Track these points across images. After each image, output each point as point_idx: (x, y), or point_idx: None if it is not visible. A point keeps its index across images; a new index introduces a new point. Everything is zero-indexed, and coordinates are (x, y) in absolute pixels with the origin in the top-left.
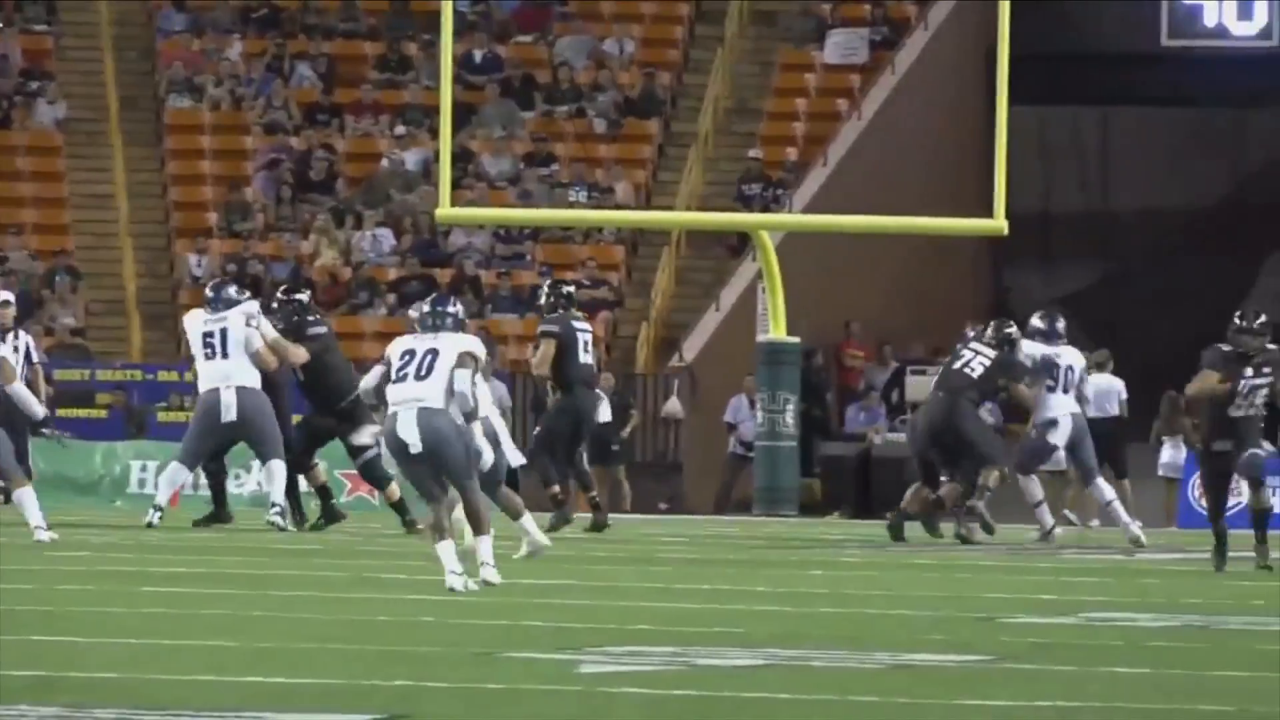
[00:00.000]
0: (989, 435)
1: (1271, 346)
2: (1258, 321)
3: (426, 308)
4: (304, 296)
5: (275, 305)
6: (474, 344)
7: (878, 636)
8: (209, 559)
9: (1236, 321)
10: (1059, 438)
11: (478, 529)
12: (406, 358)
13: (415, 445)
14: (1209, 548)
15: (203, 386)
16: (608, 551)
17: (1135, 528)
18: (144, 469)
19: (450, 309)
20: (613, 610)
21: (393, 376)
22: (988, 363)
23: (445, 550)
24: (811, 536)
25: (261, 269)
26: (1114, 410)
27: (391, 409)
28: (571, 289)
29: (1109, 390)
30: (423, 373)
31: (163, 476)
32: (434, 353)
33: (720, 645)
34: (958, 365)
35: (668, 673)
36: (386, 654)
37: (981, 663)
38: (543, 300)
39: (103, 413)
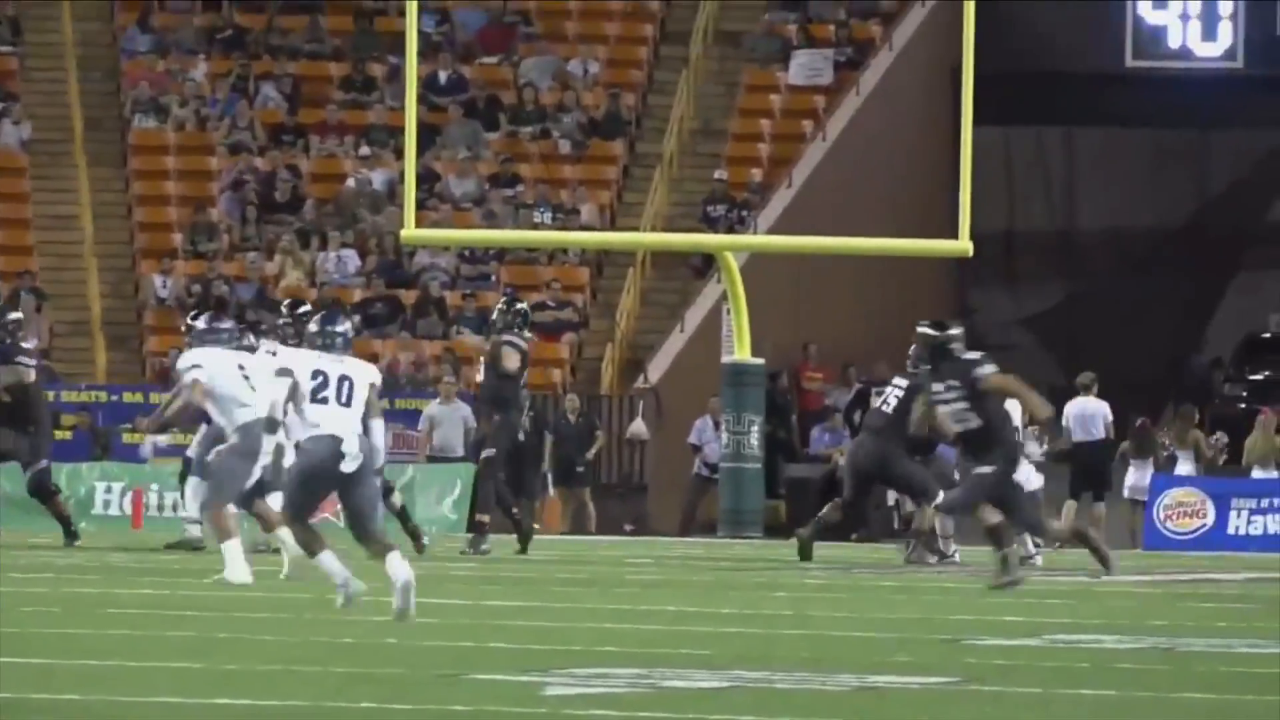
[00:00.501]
0: (918, 472)
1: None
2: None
3: (315, 327)
4: (308, 308)
5: (289, 322)
6: (376, 374)
7: (842, 658)
8: (174, 581)
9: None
10: (1021, 476)
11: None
12: (320, 379)
13: (356, 463)
14: (1175, 570)
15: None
16: (573, 573)
17: (1031, 546)
18: (109, 490)
19: (340, 328)
20: (578, 632)
21: (308, 396)
22: (901, 393)
23: (328, 560)
24: (776, 558)
25: (226, 290)
26: (1099, 433)
27: (325, 429)
28: (524, 306)
29: (1095, 413)
30: (344, 399)
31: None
32: (349, 381)
33: (686, 667)
34: (877, 403)
35: (633, 694)
36: (352, 676)
37: (946, 684)
38: (495, 316)
39: (68, 434)
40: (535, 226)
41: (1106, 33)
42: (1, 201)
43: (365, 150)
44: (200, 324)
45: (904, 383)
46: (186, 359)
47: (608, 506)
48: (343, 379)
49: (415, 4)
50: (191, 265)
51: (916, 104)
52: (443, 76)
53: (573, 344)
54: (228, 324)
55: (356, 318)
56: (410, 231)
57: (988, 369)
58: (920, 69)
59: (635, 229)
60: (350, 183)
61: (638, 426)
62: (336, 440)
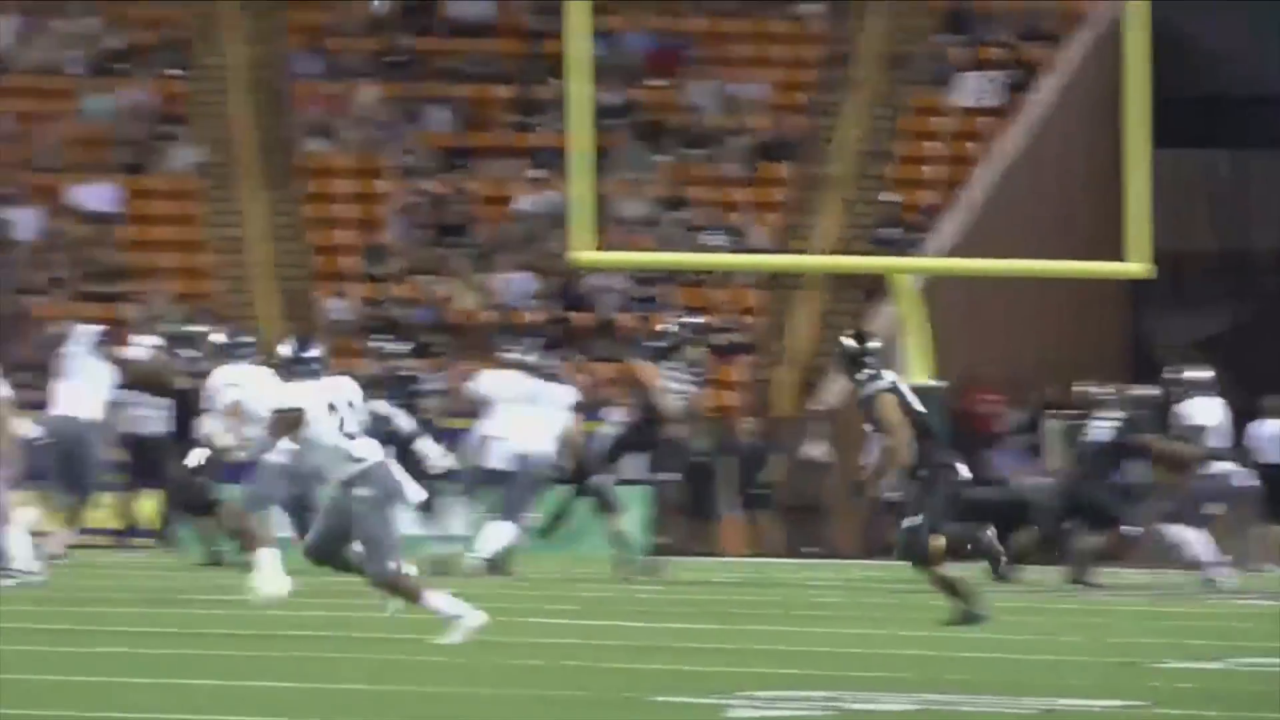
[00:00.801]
0: (1110, 500)
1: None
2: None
3: (289, 354)
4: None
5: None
6: (357, 389)
7: (1027, 682)
8: (355, 603)
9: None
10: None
11: (413, 597)
12: (336, 414)
13: (419, 494)
14: None
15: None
16: (755, 595)
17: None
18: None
19: (314, 353)
20: (762, 654)
21: (337, 430)
22: (1112, 423)
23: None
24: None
25: (401, 313)
26: None
27: (372, 461)
28: (698, 322)
29: None
30: (355, 430)
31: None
32: (352, 407)
33: (871, 690)
34: (1084, 434)
35: (817, 717)
36: (535, 698)
37: (1132, 708)
38: (676, 329)
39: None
40: (707, 249)
41: (1274, 55)
42: (175, 225)
43: (534, 173)
44: (221, 338)
45: (1112, 415)
46: (218, 378)
47: (788, 528)
48: (350, 408)
49: (587, 26)
50: (366, 288)
51: (1087, 126)
52: (610, 99)
53: (747, 366)
54: (250, 339)
55: (538, 339)
56: (582, 254)
57: (875, 387)
58: (1089, 91)
59: (805, 251)
60: (521, 205)
61: (816, 448)
62: (391, 470)
